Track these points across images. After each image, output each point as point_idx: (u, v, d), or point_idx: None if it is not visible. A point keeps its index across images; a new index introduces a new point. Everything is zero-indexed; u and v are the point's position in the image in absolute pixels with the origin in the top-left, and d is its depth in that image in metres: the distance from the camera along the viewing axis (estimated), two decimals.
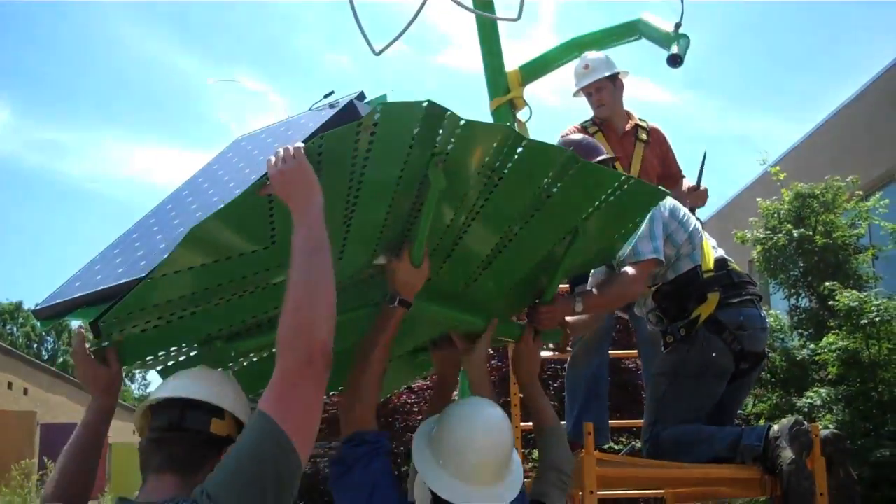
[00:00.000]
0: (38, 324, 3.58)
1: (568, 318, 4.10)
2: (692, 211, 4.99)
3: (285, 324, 2.24)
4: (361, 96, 4.31)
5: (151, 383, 64.05)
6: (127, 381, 61.33)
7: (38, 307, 3.48)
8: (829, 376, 10.79)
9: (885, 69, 16.82)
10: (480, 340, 3.64)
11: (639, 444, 4.88)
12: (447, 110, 2.79)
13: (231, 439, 2.43)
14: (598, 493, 3.92)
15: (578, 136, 4.86)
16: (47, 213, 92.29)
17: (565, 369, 6.03)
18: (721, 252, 4.50)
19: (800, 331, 12.28)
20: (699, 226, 4.48)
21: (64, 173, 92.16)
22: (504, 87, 6.03)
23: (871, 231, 13.49)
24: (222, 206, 2.72)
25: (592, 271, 4.74)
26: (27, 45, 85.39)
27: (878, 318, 10.10)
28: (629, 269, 4.21)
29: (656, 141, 6.12)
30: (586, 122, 6.03)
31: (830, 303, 10.81)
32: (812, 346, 11.34)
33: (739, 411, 9.45)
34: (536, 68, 6.20)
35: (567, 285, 5.17)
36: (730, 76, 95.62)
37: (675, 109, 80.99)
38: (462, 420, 3.07)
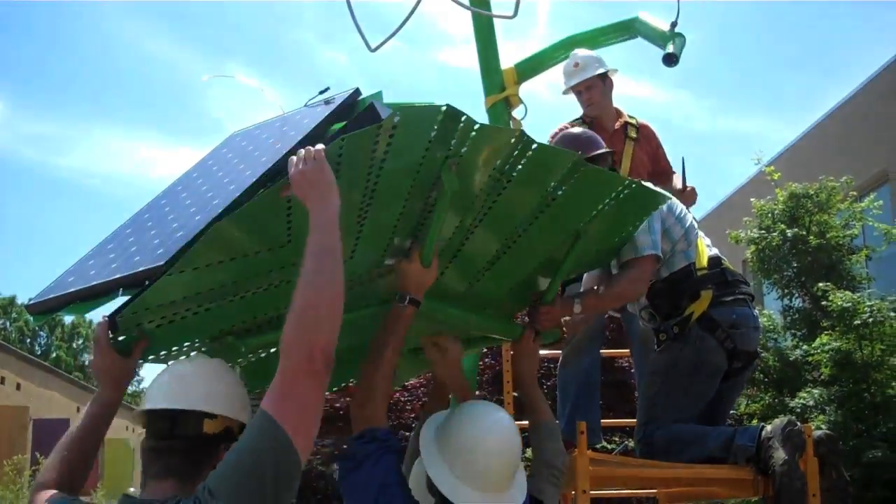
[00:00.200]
0: (31, 319, 3.58)
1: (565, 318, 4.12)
2: None
3: (289, 324, 2.27)
4: (357, 93, 4.31)
5: (144, 379, 64.02)
6: None
7: (31, 302, 3.47)
8: (822, 377, 10.81)
9: (880, 70, 16.86)
10: (450, 347, 3.64)
11: (632, 444, 4.88)
12: (463, 114, 2.85)
13: (228, 433, 2.47)
14: (591, 492, 3.92)
15: (578, 129, 4.85)
16: (41, 207, 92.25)
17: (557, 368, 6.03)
18: (715, 251, 4.50)
19: (793, 331, 12.30)
20: (695, 223, 4.48)
21: (58, 167, 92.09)
22: (499, 84, 6.02)
23: (865, 232, 13.52)
24: (241, 206, 2.75)
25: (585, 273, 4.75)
26: (23, 39, 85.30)
27: (871, 319, 10.12)
28: (631, 270, 4.20)
29: (646, 138, 6.11)
30: (576, 119, 6.02)
31: (824, 303, 10.84)
32: (805, 346, 11.36)
33: (732, 411, 9.47)
34: (532, 66, 6.19)
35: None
36: (724, 75, 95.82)
37: (669, 108, 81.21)
38: (475, 433, 3.09)
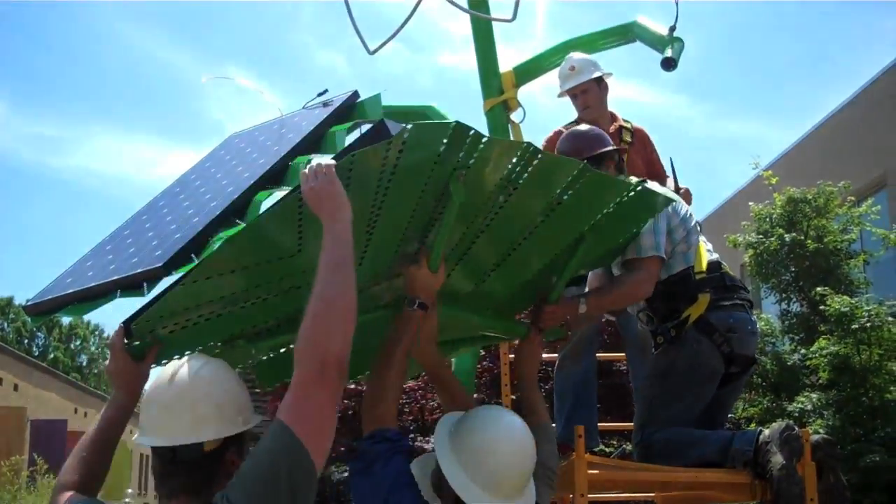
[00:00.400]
0: (29, 320, 3.59)
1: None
2: None
3: (303, 334, 2.32)
4: (355, 95, 4.32)
5: None
6: None
7: (29, 303, 3.47)
8: (820, 381, 10.81)
9: (878, 75, 16.87)
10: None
11: (629, 447, 4.87)
12: (471, 129, 2.90)
13: (232, 440, 2.48)
14: (589, 496, 3.92)
15: (585, 126, 4.83)
16: (40, 207, 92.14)
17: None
18: (716, 255, 4.49)
19: (791, 335, 12.30)
20: (698, 226, 4.47)
21: (57, 168, 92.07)
22: (498, 87, 6.02)
23: (863, 236, 13.53)
24: (239, 209, 2.79)
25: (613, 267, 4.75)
26: (22, 40, 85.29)
27: (868, 324, 10.12)
28: (636, 271, 4.19)
29: (640, 142, 6.10)
30: (571, 123, 6.02)
31: (821, 308, 10.83)
32: (803, 350, 11.36)
33: (730, 415, 9.47)
34: (530, 69, 6.20)
35: None
36: (722, 80, 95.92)
37: (666, 112, 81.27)
38: (492, 437, 3.08)
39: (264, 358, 3.79)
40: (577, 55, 5.92)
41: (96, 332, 60.60)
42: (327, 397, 2.27)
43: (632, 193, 3.70)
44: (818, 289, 11.10)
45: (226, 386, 2.56)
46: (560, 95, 6.00)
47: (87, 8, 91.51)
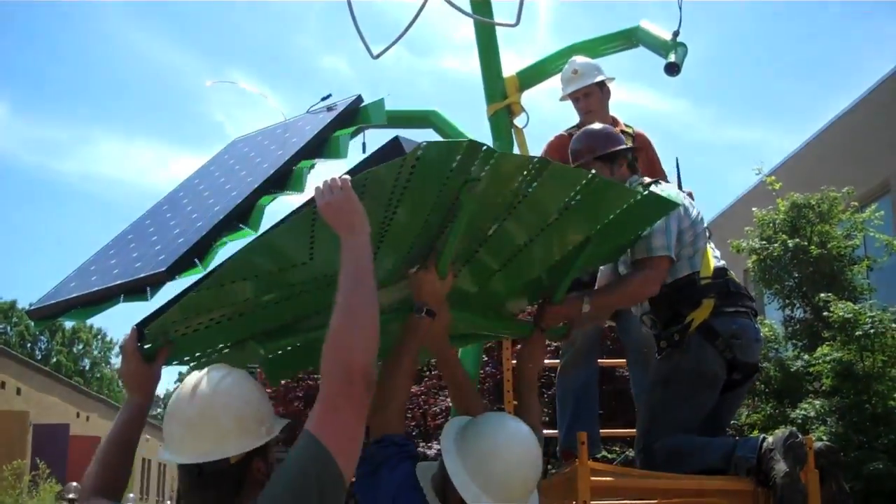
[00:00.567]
0: (32, 324, 3.61)
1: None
2: None
3: (329, 347, 2.36)
4: (359, 100, 4.32)
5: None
6: (120, 383, 61.29)
7: (33, 307, 3.48)
8: (823, 388, 10.79)
9: (882, 80, 16.86)
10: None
11: (632, 453, 4.86)
12: (484, 145, 2.96)
13: (259, 449, 2.51)
14: (592, 502, 3.91)
15: (598, 125, 4.83)
16: (42, 211, 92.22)
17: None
18: (722, 262, 4.48)
19: (794, 341, 12.29)
20: (707, 231, 4.46)
21: (60, 172, 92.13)
22: (501, 92, 6.03)
23: (866, 242, 13.51)
24: (244, 213, 2.82)
25: (600, 270, 4.74)
26: (24, 43, 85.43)
27: (872, 330, 10.11)
28: (644, 270, 4.19)
29: (641, 146, 6.09)
30: (572, 128, 6.01)
31: (825, 314, 10.82)
32: (806, 357, 11.35)
33: (733, 421, 9.45)
34: (534, 74, 6.20)
35: None
36: (725, 85, 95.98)
37: (669, 117, 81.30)
38: (500, 444, 3.08)
39: (271, 356, 3.81)
40: (580, 59, 5.92)
41: (99, 336, 60.68)
42: (355, 408, 2.32)
43: (639, 198, 3.74)
44: (821, 295, 11.09)
45: (247, 398, 2.55)
46: (562, 99, 6.00)
47: (90, 11, 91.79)
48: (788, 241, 12.25)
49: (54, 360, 54.38)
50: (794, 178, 15.83)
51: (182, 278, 3.16)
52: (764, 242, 12.67)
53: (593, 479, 3.94)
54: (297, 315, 3.50)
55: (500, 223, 3.49)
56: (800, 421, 10.22)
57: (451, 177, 3.04)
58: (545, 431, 4.44)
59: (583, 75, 5.86)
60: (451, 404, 5.83)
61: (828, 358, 10.45)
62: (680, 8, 5.66)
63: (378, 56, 5.21)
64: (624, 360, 5.98)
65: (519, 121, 6.15)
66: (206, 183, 4.03)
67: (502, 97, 6.01)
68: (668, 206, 3.99)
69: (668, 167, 6.15)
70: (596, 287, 4.70)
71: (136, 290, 3.16)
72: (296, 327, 3.57)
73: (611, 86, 6.00)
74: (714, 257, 4.45)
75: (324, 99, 4.41)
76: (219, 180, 3.95)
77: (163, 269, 3.08)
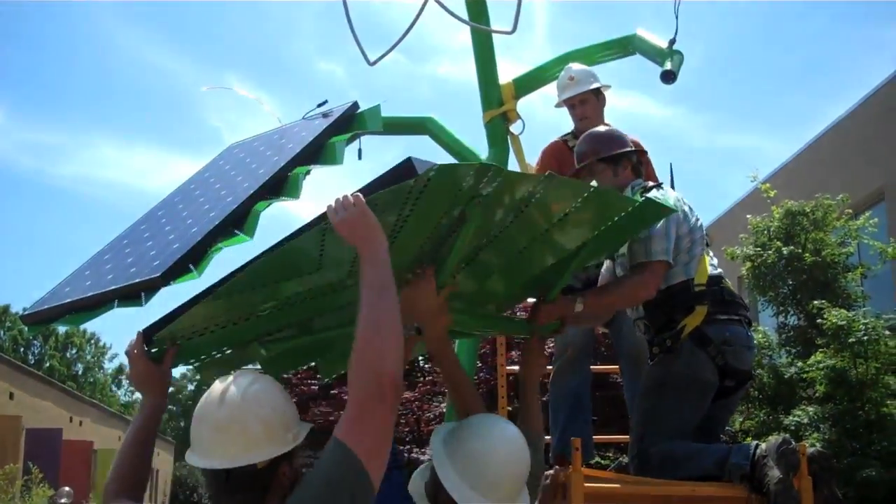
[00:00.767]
0: (26, 328, 3.61)
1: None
2: None
3: (357, 357, 2.41)
4: (355, 106, 4.32)
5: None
6: (113, 388, 61.12)
7: (27, 312, 3.48)
8: (817, 394, 10.81)
9: (877, 88, 16.92)
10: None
11: (626, 460, 4.86)
12: (493, 166, 3.01)
13: (285, 455, 2.54)
14: None
15: (604, 127, 4.83)
16: (38, 215, 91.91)
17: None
18: (719, 270, 4.49)
19: (788, 348, 12.31)
20: (705, 238, 4.47)
21: (56, 176, 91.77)
22: (497, 99, 6.04)
23: (860, 250, 13.54)
24: (242, 218, 2.84)
25: (601, 274, 4.75)
26: (20, 47, 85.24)
27: (865, 337, 10.13)
28: (640, 274, 4.19)
29: None
30: (567, 134, 6.02)
31: (819, 321, 10.84)
32: (800, 363, 11.36)
33: (727, 428, 9.45)
34: (530, 81, 6.21)
35: None
36: (721, 92, 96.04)
37: (665, 124, 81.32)
38: (487, 443, 3.11)
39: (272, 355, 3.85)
40: (576, 66, 5.93)
41: (92, 341, 60.44)
42: (384, 415, 2.37)
43: (637, 204, 3.80)
44: (815, 302, 11.12)
45: (275, 404, 2.58)
46: (558, 105, 6.01)
47: (87, 16, 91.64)
48: (783, 249, 12.27)
49: (47, 364, 54.17)
50: (788, 186, 15.87)
51: (177, 284, 3.17)
52: (758, 249, 12.70)
53: (586, 485, 3.93)
54: (300, 318, 3.53)
55: (503, 228, 3.52)
56: (793, 427, 10.23)
57: (459, 195, 3.07)
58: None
59: (579, 82, 5.87)
60: (444, 410, 5.85)
61: (821, 365, 10.47)
62: (676, 16, 5.67)
63: (375, 62, 5.23)
64: (617, 367, 5.99)
65: (515, 128, 6.16)
66: (201, 188, 4.03)
67: (498, 104, 6.03)
68: (666, 211, 4.02)
69: (663, 174, 6.18)
70: (599, 284, 4.72)
71: (131, 295, 3.16)
72: (300, 329, 3.62)
73: (606, 93, 6.01)
74: (711, 265, 4.45)
75: (320, 105, 4.42)
76: (214, 186, 3.95)
77: (157, 274, 3.09)
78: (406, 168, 2.73)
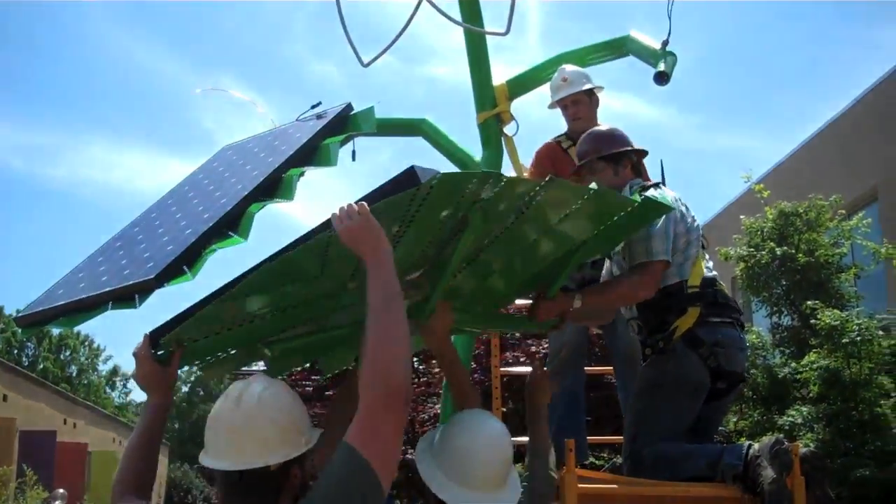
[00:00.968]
0: (20, 330, 3.62)
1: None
2: None
3: (367, 365, 2.45)
4: (349, 107, 4.33)
5: (132, 391, 63.78)
6: (107, 390, 60.99)
7: (20, 314, 3.47)
8: (811, 395, 10.81)
9: (870, 88, 16.95)
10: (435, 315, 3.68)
11: (620, 460, 4.88)
12: (495, 173, 3.06)
13: (297, 458, 2.60)
14: None
15: (605, 126, 4.85)
16: (30, 217, 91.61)
17: None
18: (714, 273, 4.51)
19: (781, 349, 12.31)
20: (701, 240, 4.48)
21: (48, 178, 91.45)
22: (491, 100, 6.04)
23: (854, 250, 13.55)
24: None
25: (604, 271, 4.77)
26: (11, 48, 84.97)
27: (859, 338, 10.13)
28: (640, 273, 4.21)
29: None
30: (560, 136, 6.03)
31: (812, 321, 10.85)
32: (794, 364, 11.37)
33: (721, 428, 9.46)
34: (524, 83, 6.22)
35: None
36: (714, 92, 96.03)
37: (658, 124, 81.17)
38: (464, 431, 3.15)
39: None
40: (569, 67, 5.95)
41: (86, 343, 60.32)
42: (394, 422, 2.41)
43: (636, 205, 3.85)
44: (809, 302, 11.12)
45: (289, 408, 2.65)
46: (551, 106, 6.02)
47: (80, 16, 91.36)
48: (776, 249, 12.28)
49: (41, 366, 54.02)
50: (782, 186, 15.89)
51: (171, 285, 3.17)
52: (752, 250, 12.69)
53: (581, 486, 3.94)
54: (304, 319, 3.56)
55: (503, 230, 3.54)
56: (787, 427, 10.24)
57: (461, 201, 3.10)
58: None
59: (572, 83, 5.89)
60: (438, 412, 5.85)
61: (815, 365, 10.48)
62: (669, 18, 5.68)
63: (368, 64, 5.23)
64: (611, 368, 6.00)
65: (509, 129, 6.16)
66: (195, 190, 4.03)
67: (492, 105, 6.03)
68: (664, 209, 4.06)
69: (654, 172, 6.19)
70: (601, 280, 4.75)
71: (125, 297, 3.17)
72: (303, 329, 3.65)
73: (600, 94, 6.02)
74: (706, 267, 4.46)
75: (314, 107, 4.42)
76: (208, 187, 3.96)
77: (151, 276, 3.09)
78: (409, 176, 2.74)
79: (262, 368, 3.98)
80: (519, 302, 5.60)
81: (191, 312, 2.96)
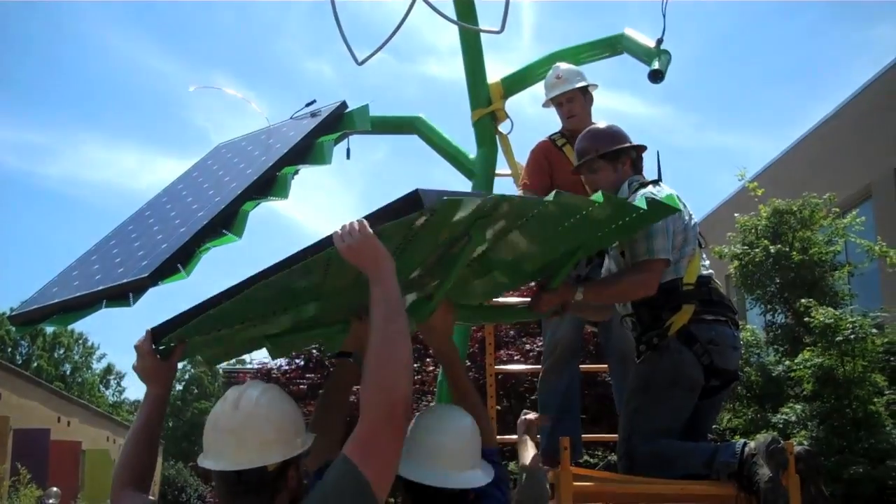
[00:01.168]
0: (13, 328, 3.62)
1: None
2: None
3: (369, 381, 2.49)
4: (343, 105, 4.33)
5: (126, 389, 63.71)
6: (101, 388, 60.91)
7: (14, 313, 3.47)
8: (805, 393, 10.84)
9: (863, 87, 16.99)
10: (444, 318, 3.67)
11: (614, 458, 4.88)
12: (499, 196, 3.06)
13: (293, 458, 2.65)
14: None
15: (604, 124, 4.85)
16: (24, 216, 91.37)
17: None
18: (710, 271, 4.51)
19: (775, 346, 12.35)
20: (699, 239, 4.48)
21: (42, 177, 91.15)
22: (486, 98, 6.05)
23: (848, 248, 13.59)
24: (231, 216, 2.86)
25: (609, 261, 4.77)
26: (4, 46, 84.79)
27: (852, 336, 10.16)
28: (641, 272, 4.22)
29: None
30: (554, 134, 6.04)
31: (806, 319, 10.88)
32: (788, 362, 11.40)
33: (715, 426, 9.48)
34: (518, 81, 6.22)
35: None
36: (708, 90, 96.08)
37: (653, 122, 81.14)
38: (425, 417, 3.17)
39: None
40: (563, 65, 5.95)
41: (80, 341, 60.22)
42: (393, 437, 2.47)
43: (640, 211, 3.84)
44: (803, 300, 11.15)
45: (285, 411, 2.71)
46: (545, 105, 6.02)
47: (72, 14, 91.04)
48: (770, 247, 12.31)
49: (35, 364, 53.88)
50: (776, 184, 15.93)
51: (165, 284, 3.17)
52: (746, 248, 12.72)
53: (575, 484, 3.94)
54: (305, 317, 3.58)
55: (503, 236, 3.55)
56: (781, 425, 10.27)
57: (463, 220, 3.11)
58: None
59: (566, 80, 5.88)
60: None
61: (809, 363, 10.51)
62: (664, 16, 5.68)
63: (363, 62, 5.22)
64: (606, 366, 6.01)
65: (503, 127, 6.17)
66: (189, 188, 4.03)
67: (487, 103, 6.04)
68: (668, 210, 4.06)
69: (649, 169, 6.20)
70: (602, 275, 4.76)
71: (119, 295, 3.16)
72: (303, 326, 3.67)
73: (594, 93, 6.02)
74: (702, 265, 4.47)
75: (308, 105, 4.42)
76: (202, 186, 3.95)
77: (145, 274, 3.09)
78: (413, 200, 2.74)
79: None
80: (512, 300, 5.60)
81: (193, 314, 2.97)
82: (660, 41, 5.76)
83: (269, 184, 3.67)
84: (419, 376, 15.02)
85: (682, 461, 4.22)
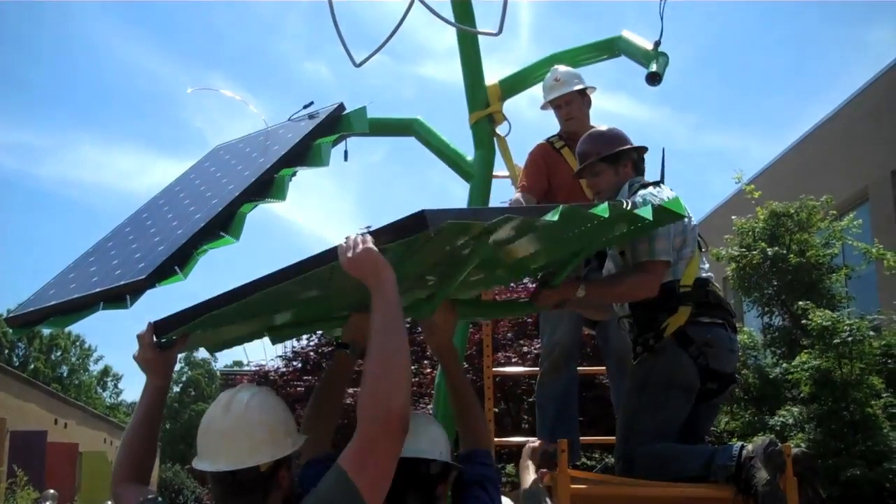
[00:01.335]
0: (10, 330, 3.62)
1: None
2: None
3: (366, 392, 2.49)
4: (341, 107, 4.32)
5: (124, 391, 63.66)
6: (98, 390, 60.86)
7: (11, 315, 3.46)
8: (802, 395, 10.85)
9: (860, 89, 17.02)
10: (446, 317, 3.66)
11: (612, 461, 4.88)
12: (506, 217, 3.05)
13: (284, 459, 2.72)
14: None
15: (604, 127, 4.85)
16: (20, 217, 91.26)
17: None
18: (709, 274, 4.51)
19: (773, 349, 12.35)
20: (698, 242, 4.49)
21: (37, 177, 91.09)
22: (483, 101, 6.04)
23: (845, 251, 13.60)
24: (228, 217, 2.86)
25: (608, 261, 4.78)
26: (1, 48, 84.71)
27: (850, 338, 10.17)
28: (643, 273, 4.22)
29: None
30: (552, 136, 6.03)
31: (803, 322, 10.88)
32: (785, 364, 11.41)
33: (712, 429, 9.48)
34: (516, 83, 6.22)
35: None
36: (706, 93, 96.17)
37: (650, 125, 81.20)
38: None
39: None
40: (561, 67, 5.95)
41: (77, 343, 60.21)
42: (389, 449, 2.46)
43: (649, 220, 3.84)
44: (800, 303, 11.16)
45: (276, 412, 2.78)
46: (543, 107, 6.02)
47: (69, 14, 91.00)
48: (767, 250, 12.32)
49: (32, 366, 53.85)
50: (773, 187, 15.93)
51: (162, 286, 3.17)
52: (743, 250, 12.73)
53: (573, 486, 3.94)
54: (305, 314, 3.60)
55: (510, 243, 3.55)
56: (778, 428, 10.27)
57: (467, 238, 3.11)
58: (527, 439, 4.47)
59: (564, 83, 5.89)
60: (431, 412, 5.86)
61: (806, 365, 10.52)
62: (661, 18, 5.69)
63: (361, 64, 5.22)
64: (604, 368, 6.01)
65: (501, 129, 6.17)
66: (186, 190, 4.03)
67: (484, 106, 6.03)
68: (675, 216, 4.07)
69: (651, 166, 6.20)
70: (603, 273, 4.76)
71: (116, 297, 3.16)
72: (303, 321, 3.72)
73: (592, 95, 6.02)
74: (701, 268, 4.47)
75: (306, 106, 4.42)
76: (199, 188, 3.95)
77: (143, 276, 3.09)
78: (418, 222, 2.75)
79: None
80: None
81: (197, 313, 2.98)
82: (657, 43, 5.76)
83: (267, 186, 3.66)
84: (416, 378, 15.00)
85: (679, 464, 4.22)
